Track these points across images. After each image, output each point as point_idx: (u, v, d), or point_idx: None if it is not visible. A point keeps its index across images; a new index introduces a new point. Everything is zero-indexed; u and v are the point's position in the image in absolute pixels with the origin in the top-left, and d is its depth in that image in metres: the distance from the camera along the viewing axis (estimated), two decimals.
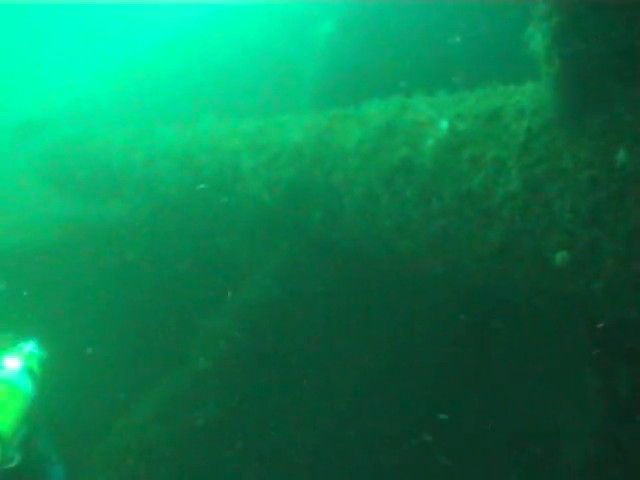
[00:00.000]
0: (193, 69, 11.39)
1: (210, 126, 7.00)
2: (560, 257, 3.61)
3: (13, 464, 3.99)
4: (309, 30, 8.88)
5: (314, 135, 5.48)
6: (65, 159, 9.55)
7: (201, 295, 8.41)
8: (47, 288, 9.10)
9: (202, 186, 6.69)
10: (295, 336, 7.91)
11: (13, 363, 4.29)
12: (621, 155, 3.16)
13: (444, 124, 4.28)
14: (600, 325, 4.12)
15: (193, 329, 8.25)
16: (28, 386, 4.24)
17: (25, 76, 20.82)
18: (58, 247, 9.41)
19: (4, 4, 21.83)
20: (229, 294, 8.31)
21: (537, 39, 3.53)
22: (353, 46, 7.88)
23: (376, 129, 4.84)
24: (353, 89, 7.74)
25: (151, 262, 8.57)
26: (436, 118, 4.41)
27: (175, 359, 8.26)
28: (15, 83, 19.89)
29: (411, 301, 5.28)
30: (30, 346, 4.62)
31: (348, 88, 7.81)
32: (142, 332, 8.96)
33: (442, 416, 5.48)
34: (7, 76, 20.41)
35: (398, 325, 5.59)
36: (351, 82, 7.90)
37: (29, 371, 4.34)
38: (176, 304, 8.70)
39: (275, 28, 9.93)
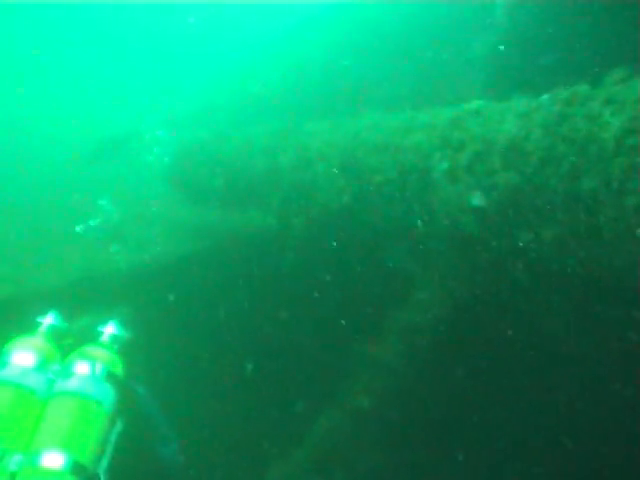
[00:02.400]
0: (330, 59, 10.17)
1: (377, 120, 5.69)
2: None
3: None
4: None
5: (539, 125, 4.04)
6: (197, 164, 8.58)
7: (360, 317, 7.21)
8: (181, 305, 8.24)
9: None
10: (472, 368, 6.61)
11: (87, 369, 3.73)
12: None
13: None
14: None
15: (350, 358, 7.09)
16: (108, 396, 3.68)
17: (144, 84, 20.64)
18: (194, 260, 8.51)
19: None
20: (392, 316, 7.13)
21: None
22: (544, 13, 6.33)
23: None
24: (545, 69, 6.27)
25: (302, 280, 7.45)
26: None
27: (330, 394, 7.13)
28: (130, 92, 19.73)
29: None
30: (111, 328, 4.12)
31: (537, 68, 6.35)
32: (290, 360, 7.88)
33: None
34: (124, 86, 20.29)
35: None
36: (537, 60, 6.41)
37: (109, 376, 3.76)
38: (331, 327, 7.54)
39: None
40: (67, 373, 3.74)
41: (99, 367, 3.77)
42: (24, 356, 3.72)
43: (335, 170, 5.67)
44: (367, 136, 5.51)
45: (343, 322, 7.41)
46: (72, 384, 3.66)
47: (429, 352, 6.90)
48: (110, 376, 3.78)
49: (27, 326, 4.26)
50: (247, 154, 7.35)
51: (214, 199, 8.40)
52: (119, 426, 3.75)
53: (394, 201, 5.09)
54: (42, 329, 4.04)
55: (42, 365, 3.73)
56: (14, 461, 3.38)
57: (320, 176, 5.93)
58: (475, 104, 4.87)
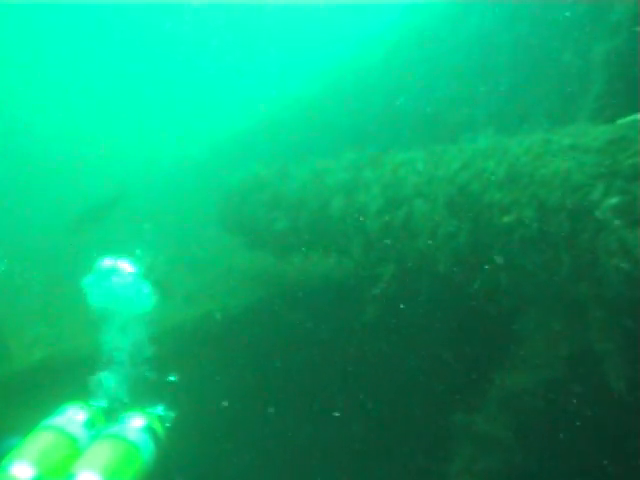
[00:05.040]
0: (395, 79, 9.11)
1: (494, 145, 4.54)
2: None
3: None
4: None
5: None
6: (255, 204, 7.51)
7: (459, 381, 6.03)
8: (237, 367, 7.14)
9: None
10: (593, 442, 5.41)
11: (136, 422, 4.18)
12: None
13: None
14: None
15: (448, 430, 5.92)
16: (147, 446, 4.07)
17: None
18: (251, 314, 7.42)
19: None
20: (496, 379, 5.99)
21: None
22: None
23: None
24: None
25: (385, 338, 6.29)
26: None
27: (428, 473, 5.95)
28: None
29: None
30: (158, 409, 4.55)
31: None
32: (374, 433, 6.67)
33: None
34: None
35: None
36: None
37: (151, 430, 4.18)
38: (423, 394, 6.36)
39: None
40: (111, 423, 4.23)
41: (141, 421, 4.20)
42: (76, 412, 4.21)
43: (442, 209, 4.51)
44: (484, 165, 4.36)
45: (438, 387, 6.23)
46: (114, 429, 4.11)
47: (540, 422, 5.77)
48: (150, 430, 4.18)
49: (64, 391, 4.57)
50: (317, 192, 6.25)
51: (274, 244, 7.30)
52: None
53: (532, 247, 3.91)
54: (96, 407, 4.44)
55: (90, 423, 4.19)
56: None
57: (419, 217, 4.78)
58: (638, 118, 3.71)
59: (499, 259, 4.20)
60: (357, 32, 10.67)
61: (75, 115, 19.40)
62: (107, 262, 4.97)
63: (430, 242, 4.66)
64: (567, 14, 6.99)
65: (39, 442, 3.92)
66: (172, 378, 6.07)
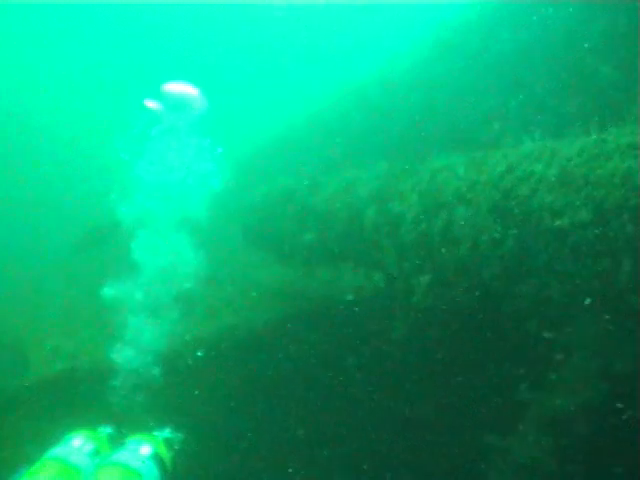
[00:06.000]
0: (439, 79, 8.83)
1: (540, 148, 4.31)
2: None
3: None
4: None
5: None
6: (282, 216, 7.31)
7: (494, 401, 5.73)
8: (262, 386, 6.88)
9: None
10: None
11: (141, 448, 4.13)
12: None
13: None
14: None
15: (481, 453, 5.61)
16: (153, 474, 4.03)
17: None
18: (277, 330, 7.17)
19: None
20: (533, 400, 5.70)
21: None
22: None
23: None
24: None
25: (417, 355, 6.01)
26: None
27: None
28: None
29: None
30: (165, 432, 4.49)
31: None
32: (407, 447, 6.35)
33: None
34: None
35: None
36: None
37: (156, 457, 4.12)
38: (456, 413, 6.05)
39: None
40: (116, 450, 4.14)
41: (147, 448, 4.13)
42: (80, 441, 4.13)
43: (485, 215, 4.27)
44: (531, 168, 4.12)
45: (471, 408, 5.92)
46: (118, 457, 4.02)
47: (585, 447, 5.44)
48: (156, 457, 4.10)
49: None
50: (348, 203, 6.03)
51: (301, 257, 7.06)
52: None
53: (587, 252, 3.65)
54: (102, 434, 4.38)
55: (94, 452, 4.12)
56: None
57: (460, 223, 4.54)
58: None
59: (550, 266, 3.93)
60: (386, 43, 10.48)
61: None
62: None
63: (472, 250, 4.40)
64: (604, 26, 6.78)
65: (43, 474, 3.89)
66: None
